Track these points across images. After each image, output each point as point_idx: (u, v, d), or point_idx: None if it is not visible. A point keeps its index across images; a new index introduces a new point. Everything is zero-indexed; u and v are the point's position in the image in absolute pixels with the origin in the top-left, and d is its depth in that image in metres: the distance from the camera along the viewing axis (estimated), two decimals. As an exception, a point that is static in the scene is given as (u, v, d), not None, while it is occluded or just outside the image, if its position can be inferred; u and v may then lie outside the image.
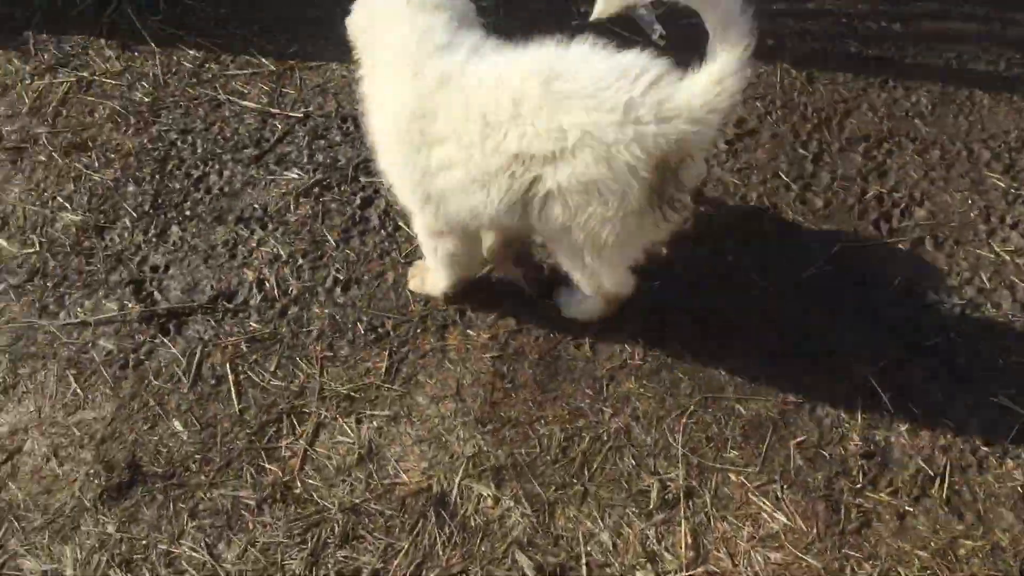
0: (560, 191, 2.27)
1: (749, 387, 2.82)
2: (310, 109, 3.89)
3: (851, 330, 2.94)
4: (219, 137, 3.79)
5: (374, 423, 2.79)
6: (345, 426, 2.78)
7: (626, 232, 2.30)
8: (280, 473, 2.72)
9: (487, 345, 2.90)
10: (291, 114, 3.87)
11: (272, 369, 2.90)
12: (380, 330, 2.99)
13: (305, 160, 3.64)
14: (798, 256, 3.11)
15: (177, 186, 3.59)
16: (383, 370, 2.86)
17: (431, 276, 2.92)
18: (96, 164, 3.70)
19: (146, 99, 4.00)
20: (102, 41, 4.30)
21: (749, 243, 3.16)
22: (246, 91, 3.99)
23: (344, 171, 3.56)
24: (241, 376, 2.89)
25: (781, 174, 3.37)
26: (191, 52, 4.22)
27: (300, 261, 3.22)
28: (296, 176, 3.55)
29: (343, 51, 3.95)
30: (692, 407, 2.79)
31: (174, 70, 4.15)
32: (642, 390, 2.83)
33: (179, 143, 3.78)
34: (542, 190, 2.30)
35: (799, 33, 3.98)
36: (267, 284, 3.16)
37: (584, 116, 2.18)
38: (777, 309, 2.97)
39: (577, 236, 2.35)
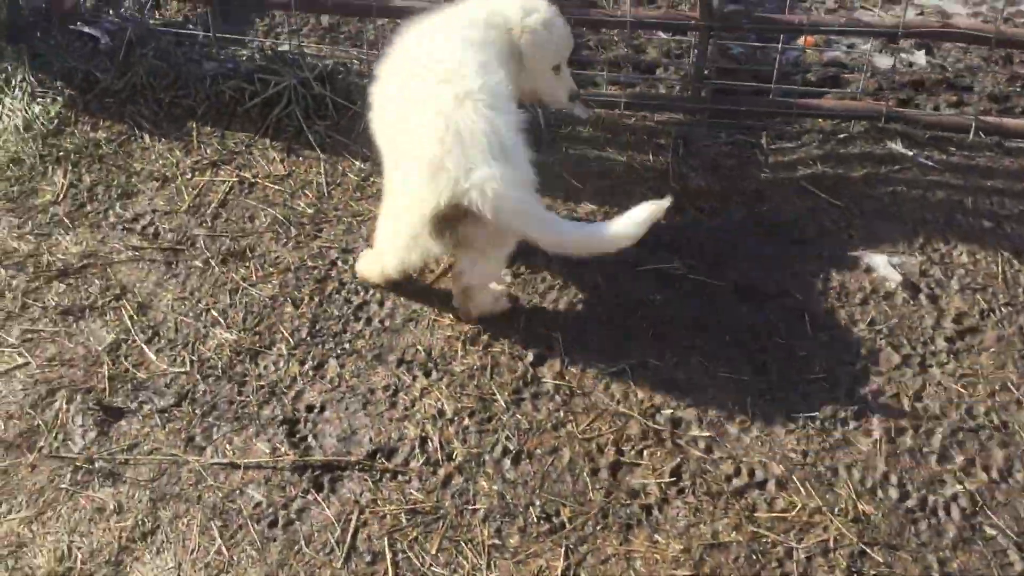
0: None
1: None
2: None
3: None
4: (381, 261, 3.57)
5: (543, 634, 2.47)
6: (509, 631, 2.47)
7: None
8: None
9: (678, 559, 2.56)
10: (458, 244, 3.64)
11: (433, 552, 2.61)
12: (555, 519, 2.67)
13: (471, 298, 3.40)
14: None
15: (336, 312, 3.37)
16: (558, 572, 2.54)
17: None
18: (254, 277, 3.52)
19: (309, 210, 3.83)
20: (267, 141, 4.18)
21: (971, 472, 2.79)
22: (412, 213, 3.79)
23: (514, 320, 3.30)
24: (399, 556, 2.60)
25: (1011, 386, 2.99)
26: (357, 163, 4.06)
27: (466, 421, 2.95)
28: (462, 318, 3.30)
29: None
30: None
31: (338, 181, 3.99)
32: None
33: (340, 263, 3.58)
34: None
35: (1018, 217, 3.64)
36: (430, 444, 2.88)
37: None
38: None
39: None
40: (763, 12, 4.67)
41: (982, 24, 3.95)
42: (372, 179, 3.97)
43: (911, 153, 3.94)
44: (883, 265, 3.35)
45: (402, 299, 3.41)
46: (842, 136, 4.08)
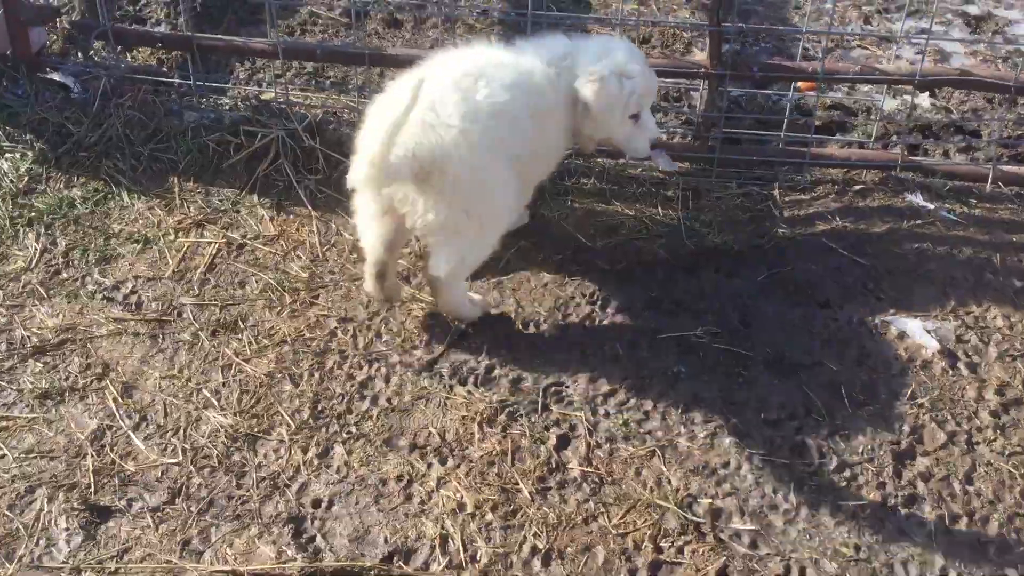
0: None
1: None
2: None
3: None
4: (383, 330, 3.35)
5: None
6: None
7: None
8: None
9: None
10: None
11: (464, 671, 2.37)
12: (594, 630, 2.46)
13: (483, 371, 3.18)
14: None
15: (339, 390, 3.13)
16: None
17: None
18: (247, 351, 3.27)
19: (303, 274, 3.59)
20: (254, 198, 3.94)
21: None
22: (413, 272, 3.57)
23: (531, 395, 3.09)
24: (427, 678, 2.37)
25: (1064, 465, 2.84)
26: (352, 221, 3.82)
27: (489, 516, 2.72)
28: (476, 395, 3.08)
29: (519, 235, 3.55)
30: None
31: (332, 241, 3.75)
32: None
33: (339, 332, 3.34)
34: None
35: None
36: (451, 543, 2.65)
37: None
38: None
39: None
40: (757, 53, 4.53)
41: (1002, 72, 3.82)
42: (369, 238, 3.73)
43: (932, 206, 3.79)
44: (918, 331, 3.19)
45: (409, 373, 3.18)
46: (858, 187, 3.93)
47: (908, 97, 4.46)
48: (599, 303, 3.45)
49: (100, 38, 4.26)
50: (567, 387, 3.12)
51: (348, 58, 4.13)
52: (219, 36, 4.26)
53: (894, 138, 4.30)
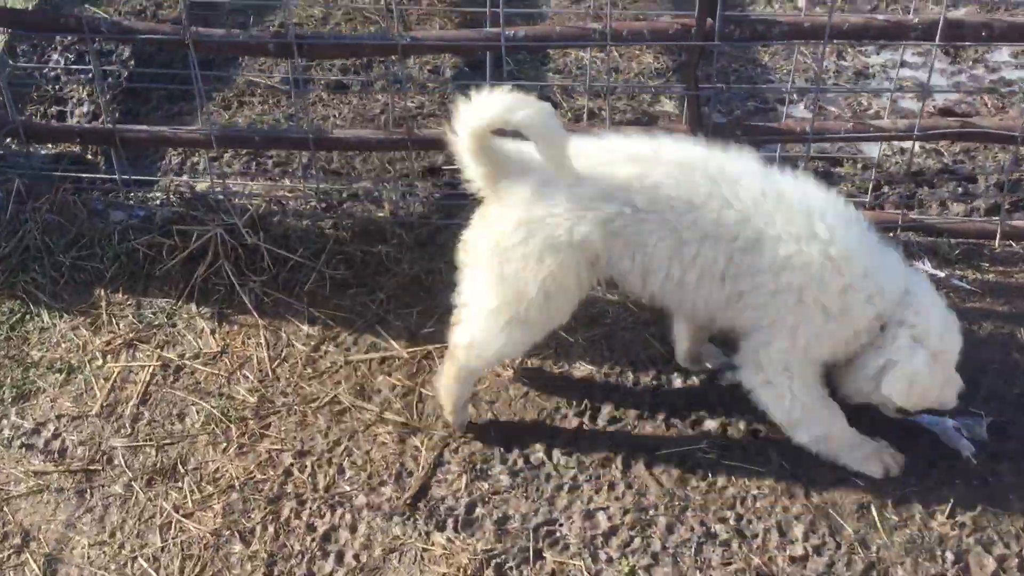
0: None
1: None
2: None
3: None
4: (346, 464, 2.94)
5: None
6: None
7: None
8: None
9: None
10: (436, 431, 3.03)
11: None
12: None
13: (463, 511, 2.78)
14: None
15: (297, 546, 2.71)
16: None
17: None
18: (189, 503, 2.84)
19: (251, 398, 3.17)
20: (192, 308, 3.51)
21: None
22: (375, 389, 3.17)
23: (520, 539, 2.69)
24: None
25: None
26: (304, 328, 3.42)
27: None
28: (457, 543, 2.68)
29: None
30: None
31: (283, 354, 3.34)
32: None
33: (295, 470, 2.93)
34: None
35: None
36: None
37: None
38: None
39: None
40: (738, 116, 4.19)
41: (1007, 122, 3.50)
42: (324, 347, 3.33)
43: (943, 274, 3.45)
44: (950, 430, 2.83)
45: (378, 519, 2.76)
46: (859, 255, 3.58)
47: (896, 142, 4.14)
48: (588, 414, 3.06)
49: (10, 135, 3.81)
50: (561, 526, 2.72)
51: (291, 143, 3.72)
52: (144, 127, 3.84)
53: (886, 189, 3.97)
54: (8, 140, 3.89)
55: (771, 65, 4.85)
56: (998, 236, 3.61)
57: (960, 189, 4.02)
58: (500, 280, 2.63)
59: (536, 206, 2.56)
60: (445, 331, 3.33)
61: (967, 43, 4.31)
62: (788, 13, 3.75)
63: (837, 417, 2.73)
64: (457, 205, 3.86)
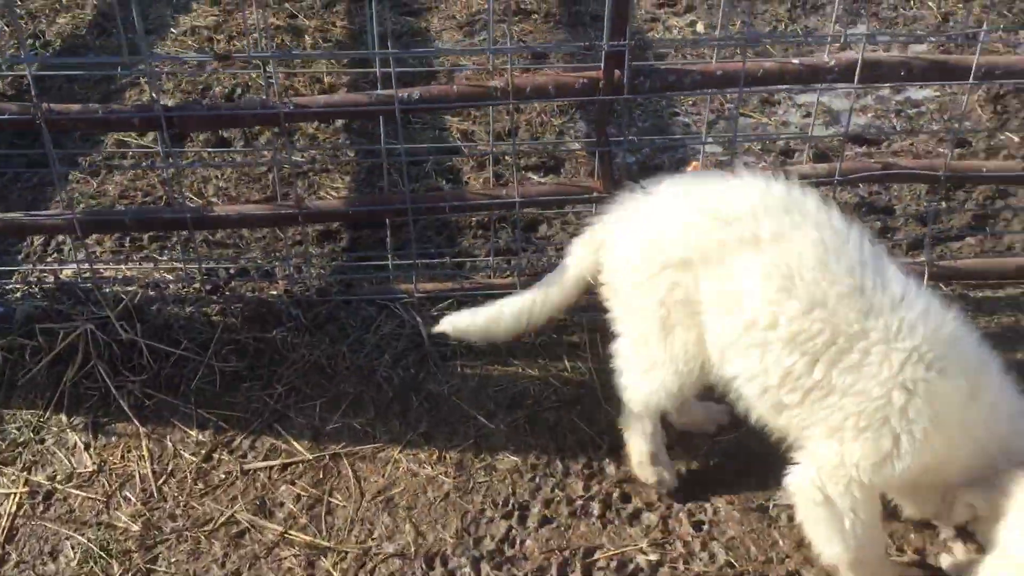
0: None
1: None
2: (374, 538, 2.74)
3: None
4: (249, 599, 2.60)
5: None
6: None
7: None
8: None
9: None
10: (347, 549, 2.71)
11: None
12: None
13: (386, 645, 2.47)
14: None
15: None
16: None
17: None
18: (66, 665, 2.46)
19: (134, 525, 2.79)
20: (63, 418, 3.11)
21: None
22: (277, 502, 2.83)
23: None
24: None
25: None
26: (192, 432, 3.06)
27: None
28: None
29: (407, 424, 2.89)
30: None
31: (169, 467, 2.97)
32: None
33: (190, 612, 2.57)
34: None
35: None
36: None
37: None
38: None
39: None
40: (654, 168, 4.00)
41: (929, 161, 3.37)
42: (217, 455, 2.98)
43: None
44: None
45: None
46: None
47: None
48: (516, 515, 2.79)
49: None
50: (497, 658, 2.44)
51: (166, 224, 3.34)
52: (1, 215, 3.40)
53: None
54: None
55: (676, 99, 4.67)
56: (925, 277, 3.47)
57: (879, 223, 3.90)
58: None
59: None
60: (352, 426, 3.04)
61: (886, 84, 4.19)
62: (698, 61, 3.55)
63: None
64: (359, 277, 3.56)
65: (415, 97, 3.04)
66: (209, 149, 4.28)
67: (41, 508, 2.86)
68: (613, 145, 3.31)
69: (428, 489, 2.87)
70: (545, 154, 4.31)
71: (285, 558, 2.70)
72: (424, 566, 2.65)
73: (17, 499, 2.88)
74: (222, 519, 2.80)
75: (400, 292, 3.43)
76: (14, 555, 2.73)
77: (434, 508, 2.82)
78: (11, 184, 4.09)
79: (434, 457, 2.95)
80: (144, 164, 4.15)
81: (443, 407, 3.13)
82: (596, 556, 2.65)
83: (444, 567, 2.64)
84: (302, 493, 2.87)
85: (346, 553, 2.70)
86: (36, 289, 3.42)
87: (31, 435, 3.06)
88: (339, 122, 4.49)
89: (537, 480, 2.88)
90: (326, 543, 2.73)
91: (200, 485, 2.90)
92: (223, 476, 2.93)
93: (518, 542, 2.71)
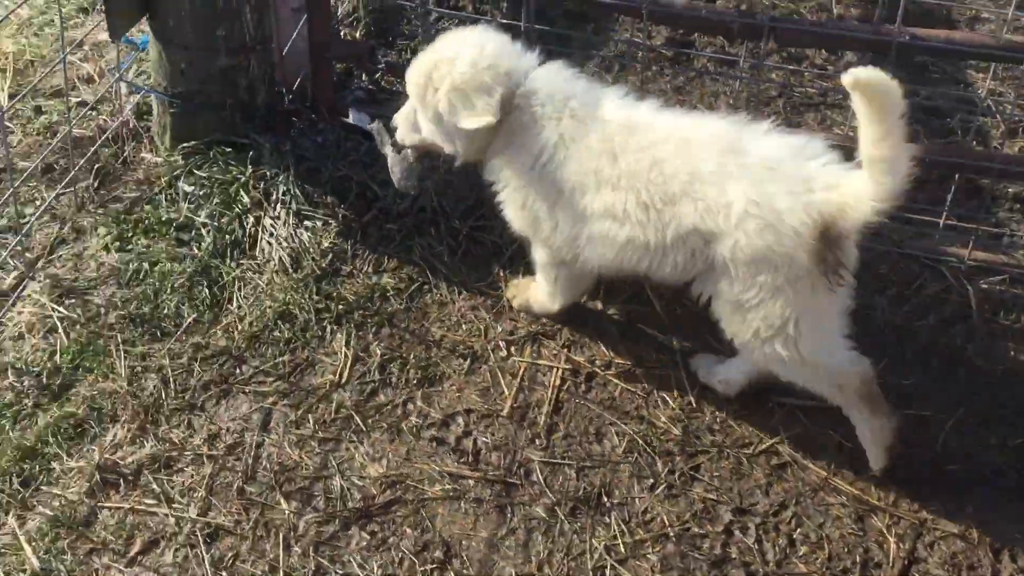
0: (728, 264, 2.39)
1: None
2: (931, 510, 2.58)
3: None
4: (796, 537, 2.55)
5: None
6: None
7: (802, 300, 2.37)
8: None
9: None
10: (900, 515, 2.58)
11: None
12: None
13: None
14: None
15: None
16: None
17: (542, 296, 3.00)
18: (621, 546, 2.54)
19: (674, 429, 2.83)
20: (598, 304, 3.17)
21: None
22: (818, 442, 2.74)
23: None
24: None
25: None
26: (724, 351, 3.01)
27: None
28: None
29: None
30: None
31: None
32: None
33: (736, 530, 2.56)
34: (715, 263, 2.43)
35: None
36: None
37: (753, 188, 2.32)
38: None
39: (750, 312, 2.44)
40: None
41: None
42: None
43: None
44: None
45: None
46: None
47: None
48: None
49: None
50: None
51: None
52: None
53: None
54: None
55: None
56: None
57: None
58: None
59: None
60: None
61: None
62: None
63: None
64: (911, 230, 3.33)
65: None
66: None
67: (583, 388, 2.94)
68: None
69: (983, 474, 2.67)
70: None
71: (832, 505, 2.61)
72: (991, 556, 2.47)
73: (560, 374, 2.97)
74: (762, 446, 2.76)
75: (950, 255, 3.18)
76: (562, 427, 2.83)
77: (993, 496, 2.61)
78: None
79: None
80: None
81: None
82: None
83: None
84: (844, 442, 2.75)
85: (899, 519, 2.57)
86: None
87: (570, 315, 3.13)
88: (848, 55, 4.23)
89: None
90: (876, 501, 2.61)
91: (735, 406, 2.87)
92: (758, 404, 2.87)
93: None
